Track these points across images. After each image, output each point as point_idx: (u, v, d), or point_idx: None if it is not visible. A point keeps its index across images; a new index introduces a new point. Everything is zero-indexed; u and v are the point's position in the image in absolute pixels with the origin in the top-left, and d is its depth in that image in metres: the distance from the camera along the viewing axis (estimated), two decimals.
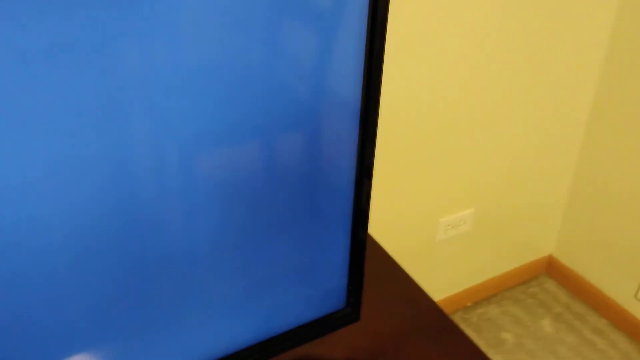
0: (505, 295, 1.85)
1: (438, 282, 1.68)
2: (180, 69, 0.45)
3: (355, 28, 0.56)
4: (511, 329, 1.71)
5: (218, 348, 0.66)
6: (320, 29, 0.53)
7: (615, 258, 1.67)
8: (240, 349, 0.68)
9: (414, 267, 1.57)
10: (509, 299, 1.83)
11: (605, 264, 1.71)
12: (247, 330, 0.67)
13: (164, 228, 0.52)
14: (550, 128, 1.57)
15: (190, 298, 0.60)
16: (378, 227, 1.24)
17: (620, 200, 1.60)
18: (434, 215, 1.55)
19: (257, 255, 0.63)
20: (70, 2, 0.37)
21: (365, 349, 0.81)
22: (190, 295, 0.60)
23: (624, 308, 1.68)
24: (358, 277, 0.73)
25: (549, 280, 1.89)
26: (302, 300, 0.70)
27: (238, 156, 0.55)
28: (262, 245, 0.63)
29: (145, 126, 0.45)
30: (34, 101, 0.38)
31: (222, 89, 0.49)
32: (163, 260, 0.55)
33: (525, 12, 1.30)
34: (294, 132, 0.57)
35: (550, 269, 1.89)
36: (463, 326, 1.70)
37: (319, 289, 0.70)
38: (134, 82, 0.42)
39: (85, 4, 0.37)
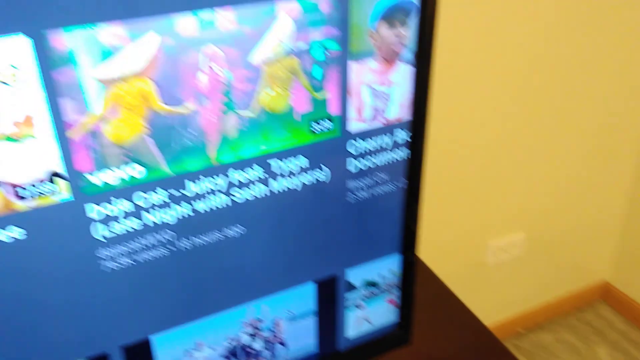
0: (558, 321, 1.80)
1: (488, 307, 1.65)
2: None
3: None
4: (565, 357, 1.67)
5: None
6: None
7: None
8: None
9: (464, 291, 1.55)
10: (562, 326, 1.78)
11: None
12: (298, 350, 0.68)
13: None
14: (603, 148, 1.54)
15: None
16: (427, 251, 1.23)
17: None
18: (484, 239, 1.53)
19: (311, 275, 0.64)
20: None
21: None
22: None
23: None
24: (408, 299, 0.73)
25: (604, 306, 1.83)
26: (353, 319, 0.70)
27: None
28: (318, 267, 0.64)
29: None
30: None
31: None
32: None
33: (580, 31, 1.30)
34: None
35: (606, 295, 1.84)
36: (515, 353, 1.66)
37: (369, 309, 0.71)
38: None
39: None
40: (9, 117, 0.41)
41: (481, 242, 1.53)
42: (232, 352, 0.63)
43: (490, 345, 0.86)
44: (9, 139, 0.42)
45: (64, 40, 0.41)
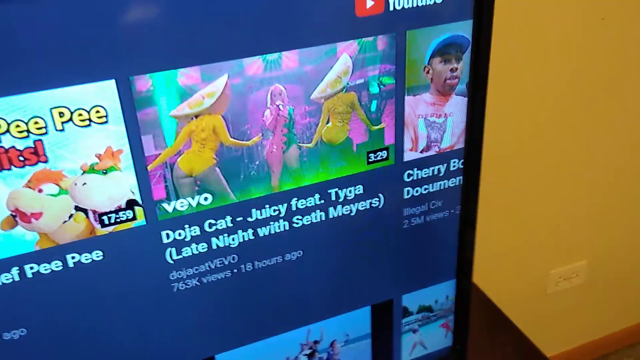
0: (625, 353, 1.75)
1: (549, 337, 1.62)
2: None
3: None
4: None
5: None
6: None
7: None
8: None
9: (523, 320, 1.53)
10: (630, 357, 1.73)
11: None
12: None
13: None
14: None
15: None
16: (486, 279, 1.23)
17: None
18: (544, 267, 1.51)
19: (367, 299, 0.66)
20: None
21: None
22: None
23: None
24: (463, 324, 0.74)
25: None
26: (408, 343, 0.72)
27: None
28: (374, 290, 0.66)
29: None
30: None
31: None
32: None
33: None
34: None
35: None
36: None
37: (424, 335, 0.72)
38: None
39: None
40: (95, 152, 0.46)
41: (541, 271, 1.51)
42: None
43: None
44: (95, 171, 0.46)
45: (147, 83, 0.45)
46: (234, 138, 0.51)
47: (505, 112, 1.22)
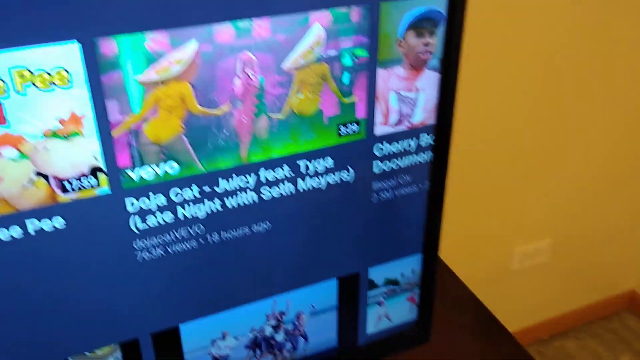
0: (583, 329, 1.79)
1: (512, 313, 1.65)
2: None
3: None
4: None
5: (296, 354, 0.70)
6: None
7: None
8: None
9: (487, 296, 1.56)
10: (587, 334, 1.78)
11: None
12: (319, 344, 0.71)
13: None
14: (632, 151, 1.53)
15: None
16: (451, 255, 1.24)
17: None
18: (509, 244, 1.54)
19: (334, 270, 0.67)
20: None
21: None
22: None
23: None
24: (428, 298, 0.75)
25: (631, 316, 1.82)
26: (373, 316, 0.73)
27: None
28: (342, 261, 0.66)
29: None
30: None
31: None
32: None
33: (603, 33, 1.29)
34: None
35: (633, 305, 1.82)
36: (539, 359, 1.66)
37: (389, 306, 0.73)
38: None
39: None
40: (57, 116, 0.44)
41: (506, 248, 1.54)
42: (256, 343, 0.66)
43: (512, 349, 0.87)
44: (57, 136, 0.45)
45: (113, 46, 0.44)
46: (202, 106, 0.50)
47: (477, 89, 1.22)
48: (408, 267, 0.71)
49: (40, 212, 0.48)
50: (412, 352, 0.77)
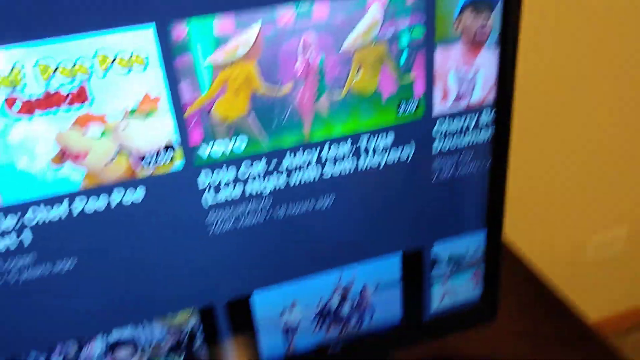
0: None
1: (586, 304, 1.62)
2: None
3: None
4: None
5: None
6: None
7: None
8: (375, 337, 0.74)
9: (560, 286, 1.53)
10: None
11: None
12: (383, 318, 0.73)
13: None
14: None
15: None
16: (522, 242, 1.24)
17: None
18: (584, 233, 1.50)
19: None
20: None
21: (499, 350, 0.82)
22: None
23: None
24: (494, 275, 0.75)
25: None
26: (438, 292, 0.74)
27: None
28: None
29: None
30: None
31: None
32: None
33: None
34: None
35: None
36: None
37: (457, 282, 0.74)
38: None
39: None
40: (135, 97, 0.49)
41: (581, 236, 1.50)
42: (323, 314, 0.69)
43: (583, 334, 0.86)
44: (135, 115, 0.49)
45: (184, 31, 0.48)
46: (266, 86, 0.53)
47: (541, 67, 1.20)
48: (473, 244, 0.72)
49: (121, 186, 0.52)
50: (477, 331, 0.78)
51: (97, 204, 0.52)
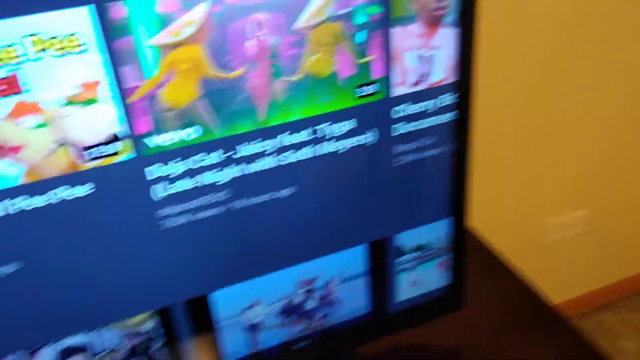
0: (622, 303, 1.76)
1: (547, 286, 1.63)
2: None
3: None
4: (632, 337, 1.63)
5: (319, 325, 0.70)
6: None
7: None
8: (342, 330, 0.71)
9: (521, 268, 1.53)
10: (626, 307, 1.74)
11: None
12: (349, 312, 0.70)
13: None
14: None
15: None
16: (481, 225, 1.23)
17: None
18: (542, 216, 1.51)
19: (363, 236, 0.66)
20: None
21: (465, 339, 0.81)
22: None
23: None
24: (459, 264, 0.74)
25: None
26: (404, 283, 0.72)
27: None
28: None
29: None
30: None
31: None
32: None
33: None
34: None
35: None
36: None
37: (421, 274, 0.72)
38: None
39: None
40: (73, 83, 0.45)
41: (539, 219, 1.51)
42: (287, 311, 0.66)
43: (548, 315, 0.86)
44: (74, 103, 0.45)
45: (123, 10, 0.44)
46: (216, 69, 0.50)
47: (501, 47, 1.19)
48: (437, 233, 0.71)
49: (63, 180, 0.48)
50: (445, 320, 0.77)
51: (37, 200, 0.48)
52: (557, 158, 1.41)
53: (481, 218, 1.36)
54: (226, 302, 0.62)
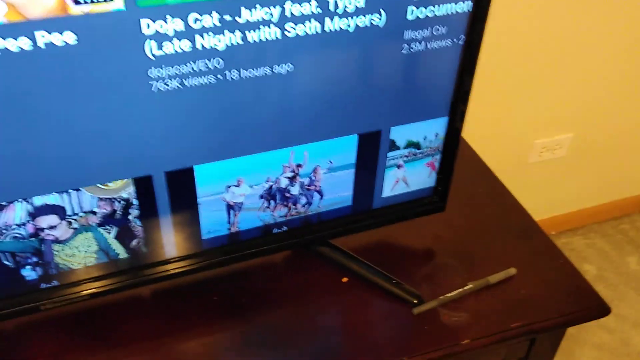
0: (593, 228, 1.79)
1: (525, 205, 1.65)
2: None
3: None
4: (595, 262, 1.67)
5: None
6: None
7: None
8: (329, 219, 0.70)
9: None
10: (596, 233, 1.78)
11: None
12: (333, 202, 0.69)
13: None
14: None
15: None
16: (471, 138, 1.22)
17: None
18: (529, 136, 1.50)
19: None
20: None
21: (446, 239, 0.81)
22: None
23: None
24: (448, 166, 0.72)
25: None
26: (391, 179, 0.71)
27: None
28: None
29: None
30: None
31: None
32: None
33: None
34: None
35: None
36: None
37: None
38: None
39: None
40: None
41: (525, 139, 1.50)
42: (270, 194, 0.65)
43: (522, 220, 0.86)
44: None
45: None
46: None
47: None
48: (432, 131, 0.69)
49: (51, 23, 0.44)
50: (426, 220, 0.76)
51: (22, 42, 0.44)
52: (550, 82, 1.39)
53: (470, 132, 1.35)
54: (211, 177, 0.60)
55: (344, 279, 0.75)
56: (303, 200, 0.67)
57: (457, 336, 0.69)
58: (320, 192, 0.68)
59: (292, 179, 0.65)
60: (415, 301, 0.71)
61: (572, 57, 1.40)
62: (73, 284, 0.62)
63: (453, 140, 0.71)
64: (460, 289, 0.73)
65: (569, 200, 1.75)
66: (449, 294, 0.72)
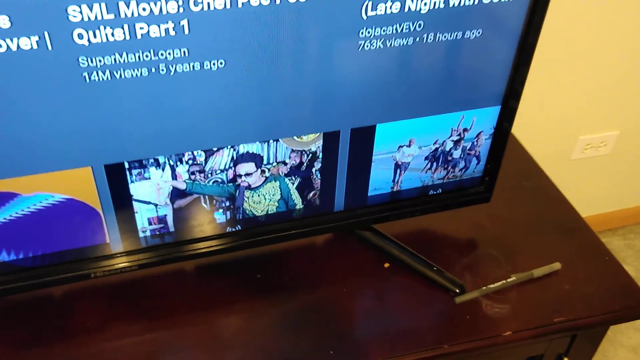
0: (633, 229, 1.76)
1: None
2: None
3: None
4: (633, 263, 1.64)
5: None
6: None
7: None
8: (375, 204, 0.70)
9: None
10: (637, 234, 1.74)
11: None
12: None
13: None
14: None
15: None
16: (517, 132, 1.21)
17: None
18: (574, 132, 1.48)
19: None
20: None
21: (490, 230, 0.81)
22: None
23: None
24: (497, 156, 0.71)
25: None
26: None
27: None
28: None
29: None
30: None
31: None
32: None
33: None
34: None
35: None
36: None
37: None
38: None
39: None
40: None
41: (570, 135, 1.48)
42: (435, 156, 0.69)
43: (569, 218, 0.84)
44: None
45: None
46: None
47: None
48: (489, 119, 0.68)
49: None
50: (470, 210, 0.76)
51: None
52: (597, 78, 1.37)
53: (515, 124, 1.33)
54: (388, 135, 0.64)
55: (386, 265, 0.75)
56: (462, 164, 0.71)
57: (499, 327, 0.68)
58: (478, 158, 0.71)
59: (456, 142, 0.68)
60: (457, 290, 0.71)
61: (622, 54, 1.37)
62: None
63: (505, 130, 0.70)
64: (504, 281, 0.72)
65: (610, 199, 1.72)
66: (492, 285, 0.71)
